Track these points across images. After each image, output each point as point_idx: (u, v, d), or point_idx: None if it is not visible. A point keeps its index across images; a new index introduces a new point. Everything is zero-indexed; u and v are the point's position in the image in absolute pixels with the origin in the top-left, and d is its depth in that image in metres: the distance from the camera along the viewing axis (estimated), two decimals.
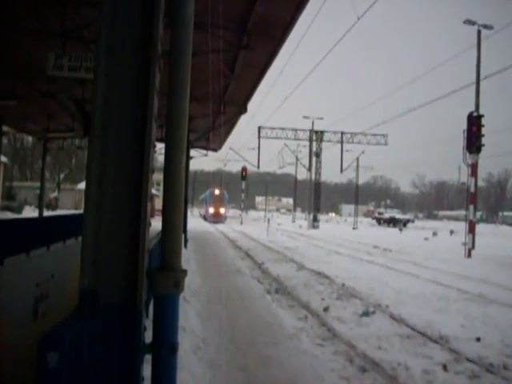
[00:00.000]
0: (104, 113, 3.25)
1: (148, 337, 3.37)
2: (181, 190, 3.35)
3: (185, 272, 3.36)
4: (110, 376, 3.22)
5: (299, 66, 44.33)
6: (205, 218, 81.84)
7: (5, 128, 29.58)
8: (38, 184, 49.74)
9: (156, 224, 4.14)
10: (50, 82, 16.51)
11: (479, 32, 31.92)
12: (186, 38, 3.38)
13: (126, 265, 3.24)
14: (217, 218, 74.00)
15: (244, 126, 69.78)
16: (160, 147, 15.01)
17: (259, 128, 57.70)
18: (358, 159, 69.74)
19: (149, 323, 3.47)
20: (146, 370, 3.34)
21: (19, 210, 53.72)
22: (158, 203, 3.54)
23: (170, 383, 3.31)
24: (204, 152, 36.66)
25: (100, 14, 3.32)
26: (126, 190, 3.27)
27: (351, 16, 17.41)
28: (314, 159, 62.62)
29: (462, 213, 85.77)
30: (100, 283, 3.20)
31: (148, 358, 3.35)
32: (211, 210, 76.48)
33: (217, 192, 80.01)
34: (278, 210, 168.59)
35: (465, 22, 31.80)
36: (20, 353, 8.49)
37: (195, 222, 59.98)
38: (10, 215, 39.00)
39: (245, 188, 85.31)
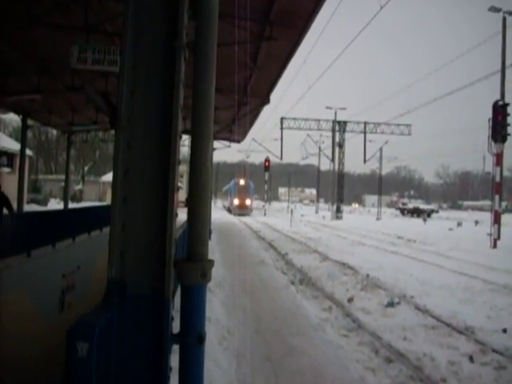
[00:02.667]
0: (130, 105, 3.27)
1: (175, 327, 3.39)
2: (207, 180, 3.36)
3: (212, 262, 3.37)
4: (138, 366, 3.25)
5: (322, 55, 44.20)
6: (229, 209, 78.31)
7: (30, 122, 29.83)
8: (62, 177, 50.26)
9: (180, 215, 4.17)
10: (73, 75, 16.65)
11: (504, 19, 31.41)
12: (211, 28, 3.37)
13: (154, 255, 3.26)
14: (242, 210, 70.34)
15: (267, 117, 69.83)
16: (183, 139, 15.11)
17: (282, 119, 57.47)
18: (381, 149, 69.32)
19: (175, 313, 3.49)
20: (174, 360, 3.37)
21: (44, 202, 54.45)
22: (181, 195, 3.54)
23: (198, 373, 3.33)
24: (227, 143, 36.63)
25: (125, 7, 3.33)
26: (153, 182, 3.29)
27: (374, 4, 17.24)
28: (337, 150, 62.33)
29: (487, 203, 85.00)
30: (128, 274, 3.22)
31: (175, 348, 3.37)
32: (236, 202, 72.51)
33: (242, 182, 75.56)
34: (301, 200, 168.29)
35: (490, 9, 31.30)
36: (48, 342, 8.63)
37: (218, 213, 60.17)
38: (35, 208, 39.46)
39: (268, 179, 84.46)
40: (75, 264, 12.44)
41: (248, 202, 73.37)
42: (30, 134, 53.36)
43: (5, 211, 14.03)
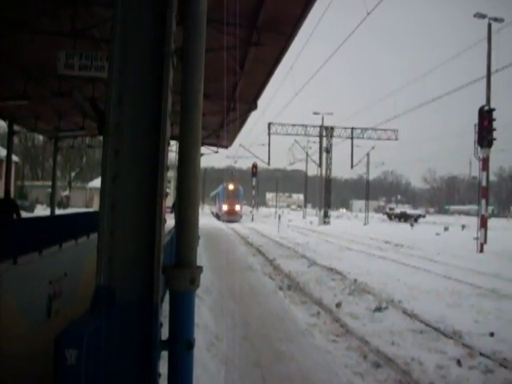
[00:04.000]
0: (118, 111, 3.27)
1: (164, 333, 3.39)
2: (196, 186, 3.36)
3: (200, 268, 3.37)
4: (126, 372, 3.24)
5: (309, 61, 44.30)
6: (217, 216, 74.21)
7: (16, 127, 29.66)
8: (49, 183, 50.04)
9: (167, 221, 4.16)
10: (60, 81, 16.58)
11: (489, 25, 31.68)
12: (199, 34, 3.38)
13: (142, 262, 3.25)
14: (231, 217, 66.13)
15: (254, 123, 69.64)
16: (171, 145, 15.04)
17: (269, 124, 57.66)
18: (368, 155, 69.57)
19: (163, 320, 3.48)
20: (163, 367, 3.36)
21: (31, 208, 54.17)
22: (167, 201, 3.54)
23: (187, 379, 3.32)
24: (214, 149, 36.58)
25: (113, 12, 3.33)
26: (141, 188, 3.29)
27: (361, 10, 17.34)
28: (324, 155, 62.51)
29: (474, 207, 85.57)
30: (116, 280, 3.21)
31: (164, 354, 3.36)
32: (225, 208, 68.18)
33: (231, 187, 71.15)
34: (288, 206, 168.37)
35: (475, 16, 31.56)
36: (35, 350, 8.57)
37: (206, 219, 60.06)
38: (22, 214, 39.16)
39: (255, 185, 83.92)
40: (62, 271, 12.33)
41: (237, 207, 69.78)
42: (16, 139, 53.14)
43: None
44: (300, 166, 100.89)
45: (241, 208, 71.28)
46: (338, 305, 12.97)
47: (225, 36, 10.48)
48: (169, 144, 3.36)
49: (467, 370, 8.39)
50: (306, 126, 60.76)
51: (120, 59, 3.29)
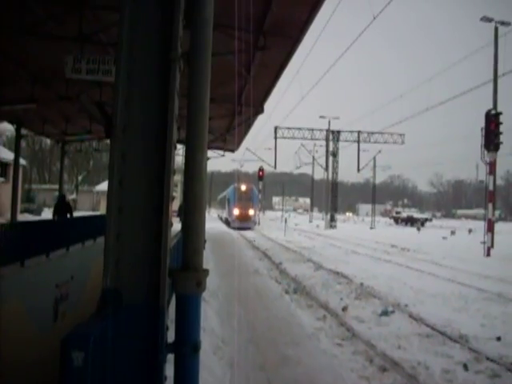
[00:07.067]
0: (125, 114, 3.29)
1: (170, 336, 3.40)
2: (202, 190, 3.37)
3: (206, 272, 3.38)
4: (132, 375, 3.25)
5: (315, 66, 44.33)
6: (227, 221, 63.74)
7: (23, 131, 29.79)
8: (56, 186, 50.16)
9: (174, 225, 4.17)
10: (68, 85, 16.65)
11: (496, 29, 31.65)
12: (206, 39, 3.40)
13: (149, 265, 3.27)
14: (243, 223, 56.67)
15: (261, 127, 69.57)
16: (178, 148, 15.07)
17: (276, 128, 57.54)
18: (374, 159, 69.46)
19: (170, 323, 3.49)
20: (169, 370, 3.37)
21: (38, 212, 54.23)
22: (174, 204, 3.56)
23: (193, 382, 3.34)
24: (221, 153, 36.61)
25: (120, 17, 3.35)
26: (148, 191, 3.31)
27: (367, 14, 17.36)
28: (330, 159, 62.34)
29: (481, 211, 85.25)
30: (122, 283, 3.23)
31: (170, 357, 3.37)
32: (236, 212, 57.88)
33: (243, 188, 60.40)
34: (295, 210, 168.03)
35: (482, 19, 31.51)
36: (41, 352, 8.59)
37: (213, 223, 59.84)
38: (29, 217, 39.30)
39: (262, 188, 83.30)
40: (69, 274, 12.38)
41: (251, 212, 59.05)
42: (23, 143, 53.38)
43: None
44: (306, 170, 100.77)
45: (255, 212, 61.30)
46: (344, 309, 12.95)
47: (236, 41, 10.53)
48: (175, 147, 3.38)
49: (474, 374, 8.35)
50: (312, 129, 60.59)
51: (127, 63, 3.31)
